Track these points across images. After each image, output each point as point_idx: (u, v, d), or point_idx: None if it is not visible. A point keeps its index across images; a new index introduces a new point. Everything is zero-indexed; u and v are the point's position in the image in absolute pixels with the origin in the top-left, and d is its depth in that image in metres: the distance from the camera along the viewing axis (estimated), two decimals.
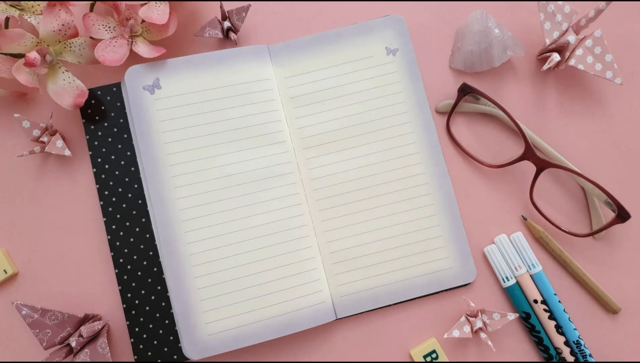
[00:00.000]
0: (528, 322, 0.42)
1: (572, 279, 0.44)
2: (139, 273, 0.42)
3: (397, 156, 0.43)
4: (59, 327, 0.38)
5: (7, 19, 0.40)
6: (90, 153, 0.43)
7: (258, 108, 0.43)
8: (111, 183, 0.43)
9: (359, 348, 0.42)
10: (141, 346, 0.41)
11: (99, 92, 0.43)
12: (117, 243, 0.42)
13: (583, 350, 0.42)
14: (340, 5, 0.46)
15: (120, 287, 0.42)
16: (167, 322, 0.41)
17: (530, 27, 0.46)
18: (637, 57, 0.47)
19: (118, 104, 0.43)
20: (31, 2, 0.40)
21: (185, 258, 0.41)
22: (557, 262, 0.44)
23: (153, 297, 0.41)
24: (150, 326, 0.41)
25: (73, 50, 0.40)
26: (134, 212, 0.42)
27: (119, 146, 0.43)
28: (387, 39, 0.45)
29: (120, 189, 0.42)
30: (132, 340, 0.41)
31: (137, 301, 0.41)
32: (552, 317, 0.42)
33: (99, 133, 0.43)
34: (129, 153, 0.43)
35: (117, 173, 0.43)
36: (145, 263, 0.42)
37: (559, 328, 0.42)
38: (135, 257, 0.42)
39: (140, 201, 0.42)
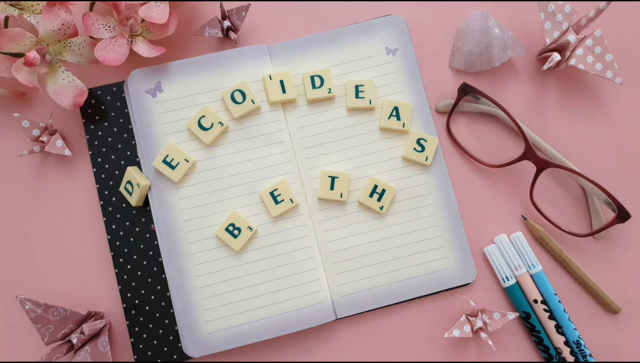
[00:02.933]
0: (528, 322, 0.42)
1: (572, 279, 0.44)
2: (139, 273, 0.42)
3: (396, 156, 0.43)
4: (61, 323, 0.38)
5: (6, 18, 0.40)
6: (90, 152, 0.43)
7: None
8: (111, 183, 0.43)
9: (359, 348, 0.42)
10: (141, 346, 0.41)
11: (99, 92, 0.43)
12: (117, 243, 0.42)
13: (583, 350, 0.42)
14: (340, 5, 0.46)
15: (120, 287, 0.42)
16: (167, 321, 0.41)
17: (531, 27, 0.46)
18: (637, 57, 0.47)
19: (118, 103, 0.43)
20: (31, 1, 0.40)
21: (186, 257, 0.41)
22: (557, 262, 0.44)
23: (153, 297, 0.41)
24: (150, 326, 0.41)
25: (73, 49, 0.40)
26: (134, 212, 0.42)
27: (119, 146, 0.43)
28: (387, 38, 0.45)
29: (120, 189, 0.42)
30: (132, 339, 0.41)
31: (137, 301, 0.41)
32: (552, 317, 0.42)
33: (99, 133, 0.43)
34: (129, 153, 0.43)
35: (117, 172, 0.43)
36: (145, 263, 0.42)
37: (559, 328, 0.42)
38: (135, 257, 0.42)
39: None
